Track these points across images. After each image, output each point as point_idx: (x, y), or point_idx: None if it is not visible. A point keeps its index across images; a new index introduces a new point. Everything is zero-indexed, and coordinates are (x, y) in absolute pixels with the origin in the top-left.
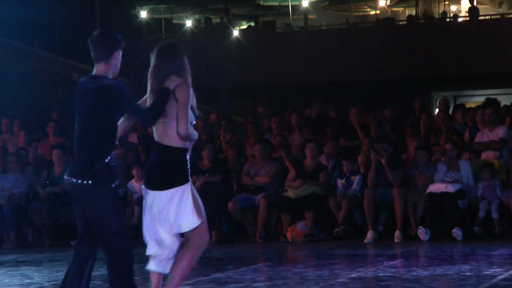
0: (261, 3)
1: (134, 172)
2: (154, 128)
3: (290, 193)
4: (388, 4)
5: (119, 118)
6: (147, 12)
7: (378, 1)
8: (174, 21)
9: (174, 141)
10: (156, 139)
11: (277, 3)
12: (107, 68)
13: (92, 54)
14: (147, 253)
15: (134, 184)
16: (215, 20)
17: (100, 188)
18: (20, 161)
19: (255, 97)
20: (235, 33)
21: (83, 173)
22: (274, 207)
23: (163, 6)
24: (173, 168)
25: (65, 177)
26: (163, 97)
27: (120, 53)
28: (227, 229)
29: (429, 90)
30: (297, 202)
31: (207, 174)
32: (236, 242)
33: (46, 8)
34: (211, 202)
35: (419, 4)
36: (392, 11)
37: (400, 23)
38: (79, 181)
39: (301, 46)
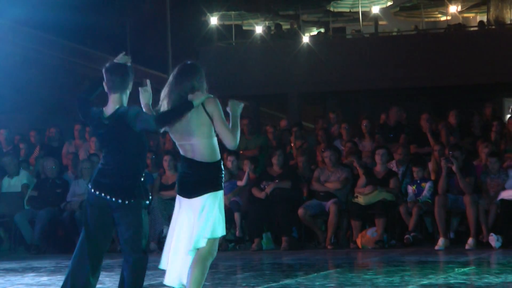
0: (332, 9)
1: None
2: (180, 148)
3: (361, 200)
4: (459, 10)
5: (145, 138)
6: (217, 19)
7: (449, 7)
8: (244, 28)
9: (207, 157)
10: (187, 156)
11: (347, 10)
12: (123, 99)
13: (107, 85)
14: (161, 266)
15: None
16: (285, 26)
17: (137, 206)
18: (92, 167)
19: (325, 103)
20: (305, 39)
21: (123, 192)
22: (344, 213)
23: (233, 12)
24: (210, 178)
25: (96, 193)
26: (182, 106)
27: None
28: (297, 235)
29: (500, 96)
30: (368, 209)
31: (277, 180)
32: (306, 248)
33: (117, 15)
34: (281, 208)
35: (491, 9)
36: (463, 17)
37: (471, 29)
38: (119, 200)
39: (371, 52)
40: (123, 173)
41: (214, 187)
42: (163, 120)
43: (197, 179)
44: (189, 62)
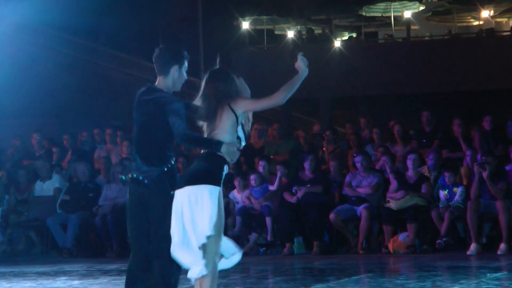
0: (364, 14)
1: (236, 182)
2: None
3: (392, 204)
4: (491, 14)
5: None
6: (249, 23)
7: (481, 12)
8: (276, 32)
9: None
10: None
11: (379, 14)
12: (166, 82)
13: (155, 67)
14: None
15: (236, 194)
16: (317, 31)
17: (161, 194)
18: (123, 171)
19: (356, 107)
20: (337, 43)
21: (144, 178)
22: (376, 218)
23: (265, 17)
24: (209, 170)
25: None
26: (209, 144)
27: (181, 68)
28: (329, 239)
29: None
30: (399, 213)
31: (308, 185)
32: (337, 253)
33: (150, 19)
34: (312, 213)
35: None
36: (495, 22)
37: (503, 33)
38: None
39: (403, 57)
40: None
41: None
42: (188, 141)
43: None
44: (217, 67)
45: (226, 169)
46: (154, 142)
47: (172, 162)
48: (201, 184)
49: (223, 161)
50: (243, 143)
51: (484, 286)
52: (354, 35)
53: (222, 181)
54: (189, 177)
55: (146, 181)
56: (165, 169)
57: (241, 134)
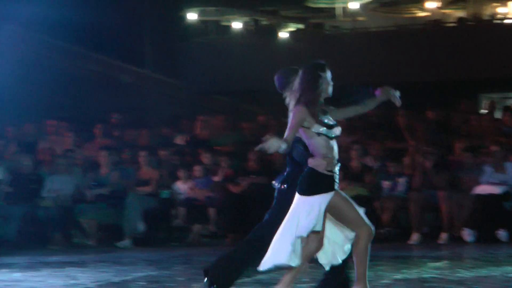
0: (310, 5)
1: (180, 173)
2: None
3: None
4: (437, 6)
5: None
6: (195, 15)
7: (428, 3)
8: (223, 23)
9: None
10: None
11: (326, 5)
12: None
13: None
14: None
15: (180, 185)
16: (264, 22)
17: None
18: (67, 162)
19: None
20: (284, 35)
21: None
22: None
23: (212, 8)
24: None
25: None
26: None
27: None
28: None
29: (476, 92)
30: None
31: (253, 176)
32: None
33: (95, 10)
34: (256, 203)
35: (469, 6)
36: (441, 13)
37: (449, 25)
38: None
39: (350, 48)
40: None
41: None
42: None
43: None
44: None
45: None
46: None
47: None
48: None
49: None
50: None
51: (425, 275)
52: (301, 26)
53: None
54: None
55: None
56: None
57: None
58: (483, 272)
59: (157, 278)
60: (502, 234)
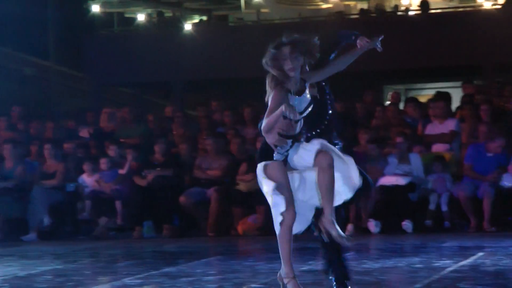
0: None
1: (85, 166)
2: None
3: (242, 187)
4: None
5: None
6: (99, 6)
7: None
8: (126, 15)
9: None
10: None
11: None
12: None
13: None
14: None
15: (85, 178)
16: (168, 14)
17: None
18: None
19: (208, 91)
20: (188, 27)
21: None
22: (226, 201)
23: (115, 0)
24: None
25: None
26: None
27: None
28: (179, 223)
29: (381, 83)
30: (249, 196)
31: (159, 168)
32: (187, 236)
33: None
34: (162, 196)
35: None
36: (344, 5)
37: (353, 16)
38: None
39: (253, 40)
40: None
41: None
42: None
43: None
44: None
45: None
46: None
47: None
48: None
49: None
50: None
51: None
52: (205, 18)
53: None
54: None
55: None
56: None
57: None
58: (389, 263)
59: (63, 271)
60: (407, 225)
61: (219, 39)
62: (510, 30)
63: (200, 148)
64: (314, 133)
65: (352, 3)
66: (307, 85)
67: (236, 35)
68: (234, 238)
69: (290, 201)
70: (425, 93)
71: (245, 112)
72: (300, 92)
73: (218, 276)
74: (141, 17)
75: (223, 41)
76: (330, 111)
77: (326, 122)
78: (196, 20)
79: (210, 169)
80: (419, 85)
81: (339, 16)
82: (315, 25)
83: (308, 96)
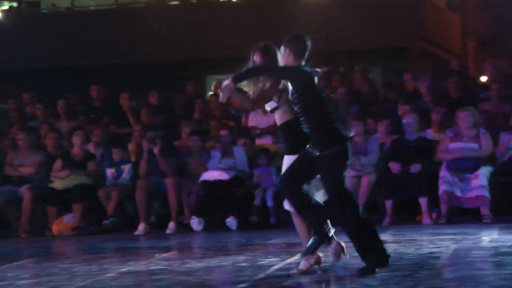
0: None
1: None
2: None
3: (57, 184)
4: None
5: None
6: None
7: None
8: None
9: None
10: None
11: None
12: None
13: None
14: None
15: None
16: None
17: None
18: None
19: (19, 82)
20: None
21: None
22: (40, 199)
23: None
24: None
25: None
26: None
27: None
28: None
29: (203, 73)
30: (65, 194)
31: None
32: None
33: None
34: None
35: None
36: None
37: (173, 3)
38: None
39: (69, 28)
40: None
41: None
42: None
43: None
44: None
45: None
46: None
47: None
48: None
49: None
50: None
51: (153, 267)
52: (15, 4)
53: None
54: None
55: None
56: None
57: None
58: (213, 262)
59: None
60: (231, 222)
61: (30, 27)
62: None
63: (8, 144)
64: None
65: None
66: None
67: (48, 23)
68: (49, 239)
69: None
70: None
71: (58, 105)
72: None
73: (32, 280)
74: None
75: (35, 29)
76: None
77: None
78: (6, 7)
79: (23, 166)
80: None
81: (159, 3)
82: (133, 12)
83: None
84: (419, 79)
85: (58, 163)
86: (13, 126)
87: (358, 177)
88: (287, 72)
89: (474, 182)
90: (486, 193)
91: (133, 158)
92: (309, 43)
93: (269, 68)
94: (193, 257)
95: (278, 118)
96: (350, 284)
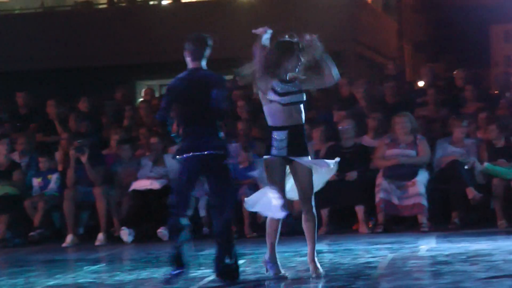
0: None
1: None
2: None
3: None
4: None
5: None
6: None
7: None
8: None
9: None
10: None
11: None
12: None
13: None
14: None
15: None
16: None
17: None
18: None
19: None
20: None
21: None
22: None
23: None
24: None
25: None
26: None
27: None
28: None
29: (133, 79)
30: None
31: None
32: None
33: None
34: None
35: None
36: None
37: (101, 6)
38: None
39: None
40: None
41: None
42: None
43: None
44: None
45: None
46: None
47: None
48: None
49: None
50: None
51: (81, 280)
52: None
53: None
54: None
55: None
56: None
57: None
58: (143, 274)
59: None
60: (163, 232)
61: None
62: None
63: None
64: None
65: None
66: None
67: None
68: None
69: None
70: None
71: None
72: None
73: None
74: None
75: None
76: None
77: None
78: None
79: None
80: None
81: (87, 6)
82: (60, 15)
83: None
84: (354, 83)
85: None
86: None
87: None
88: None
89: (412, 190)
90: (423, 201)
91: (60, 167)
92: (210, 42)
93: None
94: (123, 269)
95: None
96: None
